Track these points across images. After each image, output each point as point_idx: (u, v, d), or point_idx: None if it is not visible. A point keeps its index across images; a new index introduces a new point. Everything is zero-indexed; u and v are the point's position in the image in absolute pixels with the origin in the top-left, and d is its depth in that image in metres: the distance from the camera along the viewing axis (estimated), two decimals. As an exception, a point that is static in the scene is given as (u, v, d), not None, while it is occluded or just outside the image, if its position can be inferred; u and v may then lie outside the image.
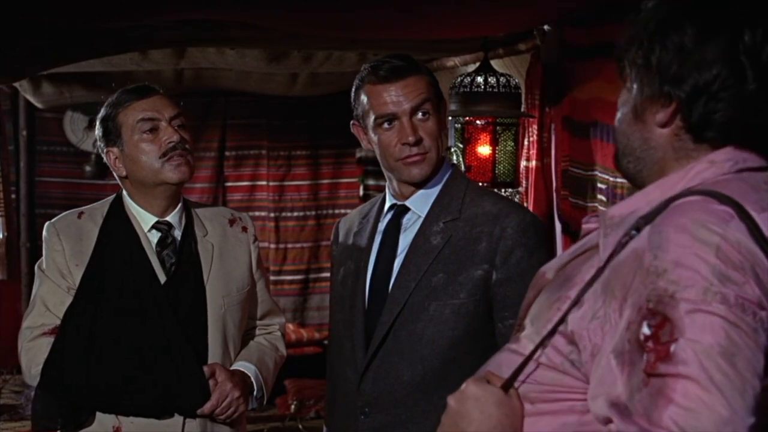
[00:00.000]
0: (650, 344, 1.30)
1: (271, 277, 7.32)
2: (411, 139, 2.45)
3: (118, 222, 2.78)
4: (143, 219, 2.79)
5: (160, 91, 2.81)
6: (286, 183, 7.53)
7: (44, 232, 2.79)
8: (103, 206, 2.84)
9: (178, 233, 2.80)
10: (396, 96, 2.46)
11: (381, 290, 2.50)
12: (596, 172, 3.74)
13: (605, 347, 1.38)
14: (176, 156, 2.71)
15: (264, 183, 7.51)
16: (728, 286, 1.30)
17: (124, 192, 2.83)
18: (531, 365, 1.51)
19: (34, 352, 2.71)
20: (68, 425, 2.73)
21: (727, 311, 1.28)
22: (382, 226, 2.60)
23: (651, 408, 1.27)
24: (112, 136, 2.76)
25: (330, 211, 7.54)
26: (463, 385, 1.54)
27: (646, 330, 1.31)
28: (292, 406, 6.30)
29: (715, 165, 1.47)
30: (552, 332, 1.48)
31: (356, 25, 4.13)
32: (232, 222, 2.92)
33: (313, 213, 7.57)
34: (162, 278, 2.74)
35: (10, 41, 3.85)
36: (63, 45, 4.27)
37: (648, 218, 1.42)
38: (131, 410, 2.67)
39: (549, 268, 1.63)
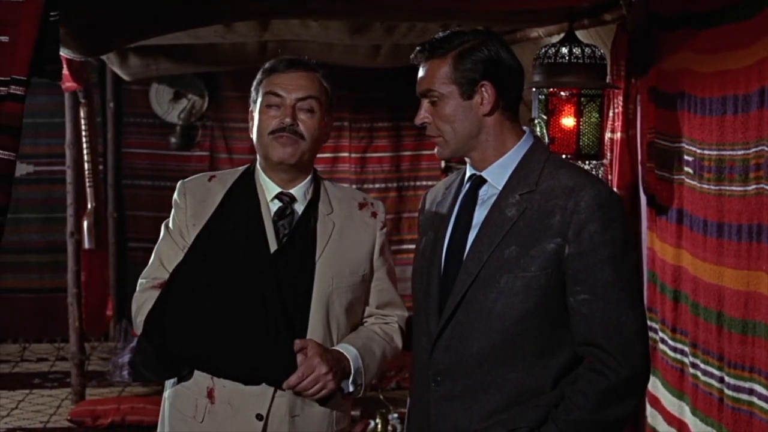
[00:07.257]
0: None
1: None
2: None
3: (244, 188, 2.83)
4: (268, 188, 2.82)
5: (308, 69, 2.83)
6: (368, 155, 7.53)
7: (175, 191, 2.86)
8: (235, 172, 2.90)
9: (300, 207, 2.81)
10: None
11: (455, 261, 2.50)
12: (683, 144, 3.67)
13: None
14: (284, 136, 2.74)
15: (346, 155, 7.53)
16: None
17: (258, 161, 2.88)
18: None
19: (141, 302, 2.78)
20: (166, 377, 2.79)
21: None
22: (461, 197, 2.59)
23: None
24: (255, 97, 2.83)
25: (411, 183, 7.52)
26: None
27: None
28: (373, 377, 6.31)
29: None
30: None
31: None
32: (362, 206, 2.90)
33: (395, 185, 7.56)
34: (273, 247, 2.75)
35: (97, 15, 3.91)
36: (149, 18, 4.32)
37: None
38: (221, 373, 2.69)
39: None
